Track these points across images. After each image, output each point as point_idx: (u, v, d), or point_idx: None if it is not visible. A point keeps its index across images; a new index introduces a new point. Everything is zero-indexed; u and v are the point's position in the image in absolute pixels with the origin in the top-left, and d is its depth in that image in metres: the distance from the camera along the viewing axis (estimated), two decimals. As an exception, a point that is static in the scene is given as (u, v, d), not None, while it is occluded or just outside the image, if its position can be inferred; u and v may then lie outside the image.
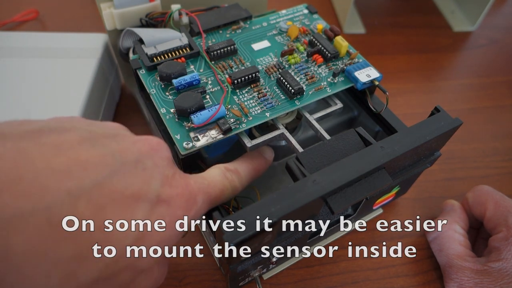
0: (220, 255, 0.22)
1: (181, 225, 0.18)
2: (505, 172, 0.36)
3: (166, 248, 0.18)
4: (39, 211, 0.13)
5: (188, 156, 0.23)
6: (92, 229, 0.14)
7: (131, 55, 0.29)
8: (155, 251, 0.17)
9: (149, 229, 0.16)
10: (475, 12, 0.50)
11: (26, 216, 0.12)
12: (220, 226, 0.18)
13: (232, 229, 0.18)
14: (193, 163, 0.24)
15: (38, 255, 0.13)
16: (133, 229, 0.15)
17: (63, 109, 0.30)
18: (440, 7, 0.54)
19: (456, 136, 0.36)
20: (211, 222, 0.23)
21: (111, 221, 0.14)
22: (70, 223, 0.13)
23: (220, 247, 0.20)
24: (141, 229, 0.16)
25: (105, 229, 0.14)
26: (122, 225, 0.15)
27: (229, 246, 0.17)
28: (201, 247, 0.30)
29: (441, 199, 0.32)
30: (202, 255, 0.29)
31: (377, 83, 0.27)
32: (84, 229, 0.14)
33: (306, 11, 0.32)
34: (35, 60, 0.33)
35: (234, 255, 0.19)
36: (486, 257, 0.26)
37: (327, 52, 0.28)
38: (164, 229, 0.17)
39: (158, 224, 0.16)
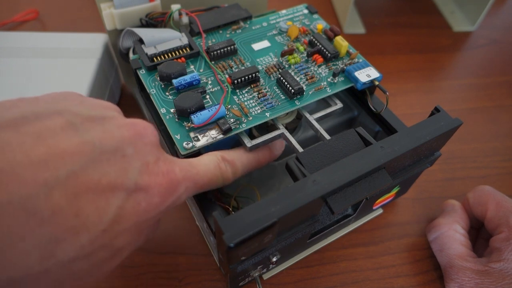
0: (220, 255, 0.22)
1: (158, 210, 0.18)
2: (505, 172, 0.36)
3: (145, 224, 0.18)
4: (15, 202, 0.13)
5: (188, 156, 0.23)
6: (66, 216, 0.15)
7: (131, 55, 0.29)
8: (132, 232, 0.17)
9: (124, 213, 0.16)
10: (475, 12, 0.50)
11: (3, 206, 0.13)
12: (220, 226, 0.18)
13: (232, 229, 0.18)
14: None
15: (16, 239, 0.14)
16: (108, 214, 0.16)
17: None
18: (440, 7, 0.54)
19: (456, 136, 0.37)
20: (211, 222, 0.23)
21: (85, 208, 0.15)
22: (45, 212, 0.14)
23: (220, 247, 0.20)
24: (116, 213, 0.16)
25: (80, 216, 0.15)
26: (96, 211, 0.15)
27: (229, 246, 0.17)
28: (201, 247, 0.30)
29: (441, 199, 0.32)
30: (202, 255, 0.29)
31: (377, 83, 0.27)
32: (58, 216, 0.14)
33: (306, 11, 0.32)
34: (35, 60, 0.33)
35: (234, 255, 0.19)
36: (487, 258, 0.26)
37: (327, 52, 0.28)
38: (140, 214, 0.17)
39: (133, 209, 0.17)
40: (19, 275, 0.14)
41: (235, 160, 0.23)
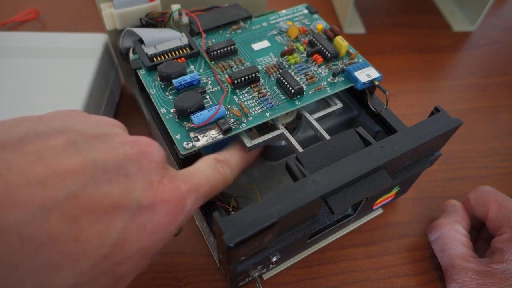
0: (220, 255, 0.22)
1: (167, 231, 0.17)
2: (505, 172, 0.36)
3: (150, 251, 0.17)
4: (9, 227, 0.13)
5: (188, 156, 0.23)
6: (65, 241, 0.14)
7: (131, 55, 0.29)
8: (137, 257, 0.16)
9: (128, 237, 0.16)
10: (475, 12, 0.50)
11: None
12: (220, 226, 0.18)
13: (232, 229, 0.18)
14: (193, 163, 0.24)
15: (10, 267, 0.13)
16: (110, 238, 0.15)
17: (63, 109, 0.30)
18: (440, 7, 0.54)
19: (456, 136, 0.37)
20: (211, 222, 0.23)
21: (85, 232, 0.14)
22: (42, 237, 0.13)
23: (220, 247, 0.20)
24: (119, 237, 0.15)
25: (79, 240, 0.14)
26: (97, 235, 0.15)
27: (229, 246, 0.17)
28: (201, 247, 0.30)
29: (441, 199, 0.32)
30: (202, 255, 0.29)
31: (377, 83, 0.27)
32: (56, 241, 0.14)
33: (306, 11, 0.32)
34: (35, 60, 0.33)
35: (234, 255, 0.19)
36: (489, 258, 0.26)
37: (327, 52, 0.28)
38: (145, 237, 0.16)
39: (138, 232, 0.16)
40: None
41: (228, 159, 0.22)
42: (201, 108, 0.24)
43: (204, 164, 0.21)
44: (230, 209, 0.25)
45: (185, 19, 0.30)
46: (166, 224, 0.17)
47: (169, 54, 0.27)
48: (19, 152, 0.14)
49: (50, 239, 0.13)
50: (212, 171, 0.21)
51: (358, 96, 0.30)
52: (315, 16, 0.32)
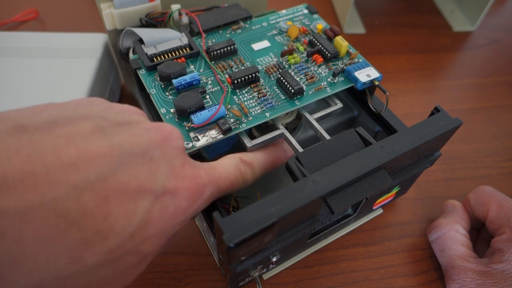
0: (220, 255, 0.22)
1: (185, 215, 0.18)
2: (505, 172, 0.36)
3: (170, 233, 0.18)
4: (47, 204, 0.13)
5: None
6: (96, 219, 0.15)
7: (131, 55, 0.29)
8: (159, 237, 0.17)
9: (152, 218, 0.16)
10: (475, 12, 0.50)
11: (35, 208, 0.13)
12: (220, 226, 0.18)
13: (232, 229, 0.18)
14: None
15: (47, 242, 0.14)
16: (136, 218, 0.16)
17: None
18: (440, 7, 0.54)
19: (456, 136, 0.37)
20: (211, 222, 0.23)
21: (114, 211, 0.15)
22: (75, 214, 0.14)
23: (220, 247, 0.20)
24: (144, 218, 0.16)
25: (109, 219, 0.15)
26: (125, 215, 0.15)
27: (229, 246, 0.17)
28: (201, 247, 0.30)
29: (441, 199, 0.32)
30: (202, 255, 0.29)
31: (377, 83, 0.27)
32: (88, 219, 0.14)
33: (306, 11, 0.32)
34: (35, 60, 0.33)
35: (234, 255, 0.19)
36: (488, 258, 0.26)
37: (327, 52, 0.28)
38: (167, 218, 0.17)
39: (161, 213, 0.17)
40: (48, 278, 0.14)
41: (253, 161, 0.23)
42: (201, 108, 0.24)
43: (227, 161, 0.22)
44: (230, 209, 0.25)
45: (185, 19, 0.30)
46: (185, 208, 0.18)
47: (169, 54, 0.27)
48: (52, 135, 0.15)
49: (83, 216, 0.14)
50: (234, 169, 0.22)
51: (358, 96, 0.30)
52: (315, 16, 0.32)
